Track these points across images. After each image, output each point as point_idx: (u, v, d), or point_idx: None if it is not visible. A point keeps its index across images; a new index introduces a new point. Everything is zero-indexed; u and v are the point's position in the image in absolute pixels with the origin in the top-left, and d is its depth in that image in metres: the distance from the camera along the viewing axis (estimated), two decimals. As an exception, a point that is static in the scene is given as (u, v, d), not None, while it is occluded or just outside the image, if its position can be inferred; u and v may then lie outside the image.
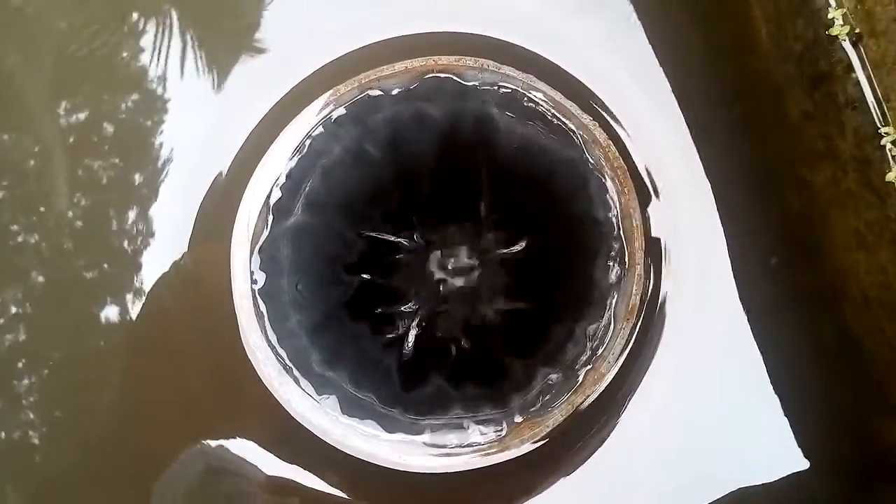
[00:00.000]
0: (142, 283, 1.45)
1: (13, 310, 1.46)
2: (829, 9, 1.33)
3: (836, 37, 1.32)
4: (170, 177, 1.50)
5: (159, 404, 1.44)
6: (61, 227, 1.49)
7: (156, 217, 1.49)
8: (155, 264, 1.46)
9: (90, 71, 1.55)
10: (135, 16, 1.56)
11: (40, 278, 1.47)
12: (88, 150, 1.52)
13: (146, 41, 1.55)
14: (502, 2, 1.53)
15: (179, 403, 1.44)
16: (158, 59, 1.54)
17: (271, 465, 1.38)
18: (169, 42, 1.55)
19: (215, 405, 1.44)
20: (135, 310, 1.44)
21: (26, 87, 1.54)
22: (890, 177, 1.26)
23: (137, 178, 1.51)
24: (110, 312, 1.45)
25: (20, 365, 1.44)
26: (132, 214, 1.49)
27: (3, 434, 1.42)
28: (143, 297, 1.44)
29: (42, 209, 1.50)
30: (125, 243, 1.48)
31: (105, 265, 1.48)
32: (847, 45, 1.33)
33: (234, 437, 1.39)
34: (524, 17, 1.51)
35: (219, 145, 1.48)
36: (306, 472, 1.38)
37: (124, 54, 1.55)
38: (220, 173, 1.47)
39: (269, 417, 1.37)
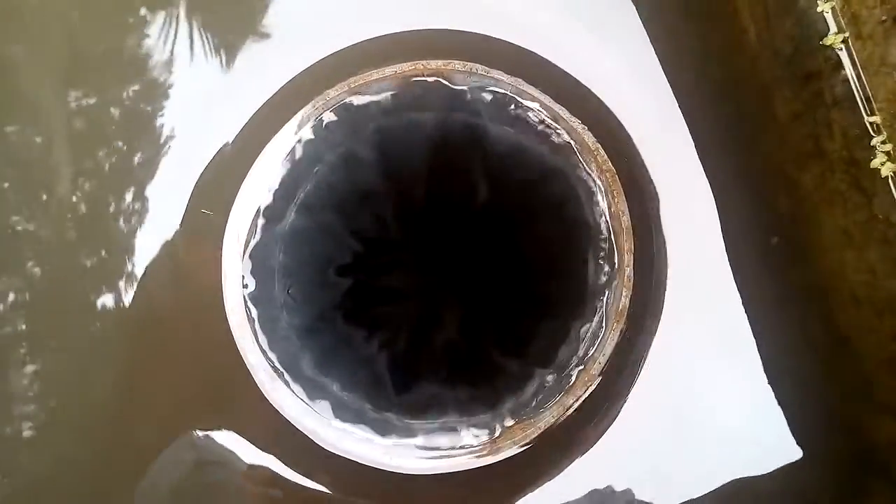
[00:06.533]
0: (134, 280, 1.45)
1: (11, 297, 1.45)
2: (819, 2, 1.32)
3: (826, 39, 1.33)
4: (161, 183, 1.49)
5: (151, 400, 1.44)
6: (63, 214, 1.48)
7: (148, 219, 1.48)
8: (148, 261, 1.45)
9: (97, 62, 1.54)
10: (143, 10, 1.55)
11: (37, 268, 1.47)
12: (85, 138, 1.51)
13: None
14: (494, 2, 1.53)
15: (172, 400, 1.44)
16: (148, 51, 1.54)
17: (262, 461, 1.39)
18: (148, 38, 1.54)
19: (207, 405, 1.44)
20: (127, 305, 1.44)
21: (34, 78, 1.52)
22: (875, 164, 1.26)
23: (134, 173, 1.49)
24: (105, 308, 1.45)
25: (20, 353, 1.44)
26: (125, 214, 1.48)
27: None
28: (135, 293, 1.44)
29: (44, 196, 1.49)
30: (118, 237, 1.47)
31: (102, 254, 1.47)
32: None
33: (225, 434, 1.40)
34: (515, 18, 1.50)
35: (209, 147, 1.47)
36: (297, 472, 1.38)
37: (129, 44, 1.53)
38: (212, 177, 1.46)
39: (260, 418, 1.38)
